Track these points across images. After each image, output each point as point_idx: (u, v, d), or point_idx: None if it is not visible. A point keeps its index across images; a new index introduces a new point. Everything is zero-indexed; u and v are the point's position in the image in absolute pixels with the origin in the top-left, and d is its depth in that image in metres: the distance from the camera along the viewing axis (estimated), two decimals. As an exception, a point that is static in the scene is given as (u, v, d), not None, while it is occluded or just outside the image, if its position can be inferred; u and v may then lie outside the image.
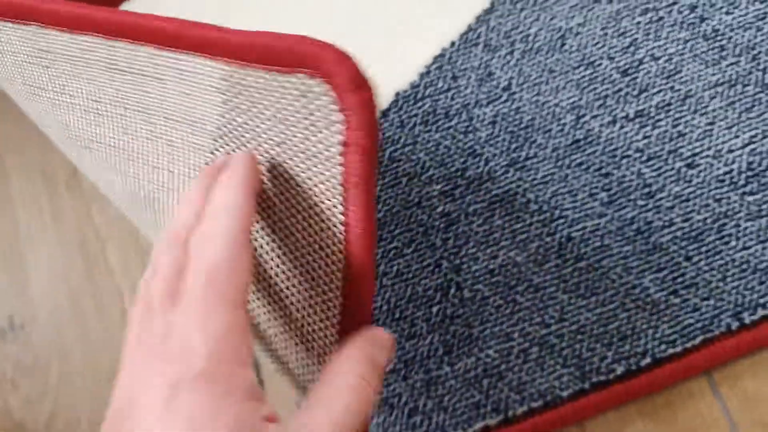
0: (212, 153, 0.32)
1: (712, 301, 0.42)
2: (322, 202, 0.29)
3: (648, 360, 0.41)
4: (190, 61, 0.30)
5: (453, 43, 0.50)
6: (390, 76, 0.49)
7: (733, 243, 0.43)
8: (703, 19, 0.48)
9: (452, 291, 0.43)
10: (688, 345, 0.41)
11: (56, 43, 0.34)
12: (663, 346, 0.41)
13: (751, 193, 0.44)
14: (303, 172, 0.29)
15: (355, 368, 0.28)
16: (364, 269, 0.28)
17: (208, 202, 0.29)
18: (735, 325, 0.41)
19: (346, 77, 0.26)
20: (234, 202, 0.28)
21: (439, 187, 0.46)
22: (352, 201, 0.28)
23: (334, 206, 0.28)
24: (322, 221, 0.29)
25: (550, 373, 0.42)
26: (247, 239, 0.28)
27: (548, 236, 0.44)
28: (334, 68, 0.27)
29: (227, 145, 0.31)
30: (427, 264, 0.44)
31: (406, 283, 0.44)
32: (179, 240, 0.28)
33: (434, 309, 0.43)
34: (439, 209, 0.45)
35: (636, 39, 0.49)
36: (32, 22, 0.34)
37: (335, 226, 0.29)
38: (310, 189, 0.29)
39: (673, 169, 0.45)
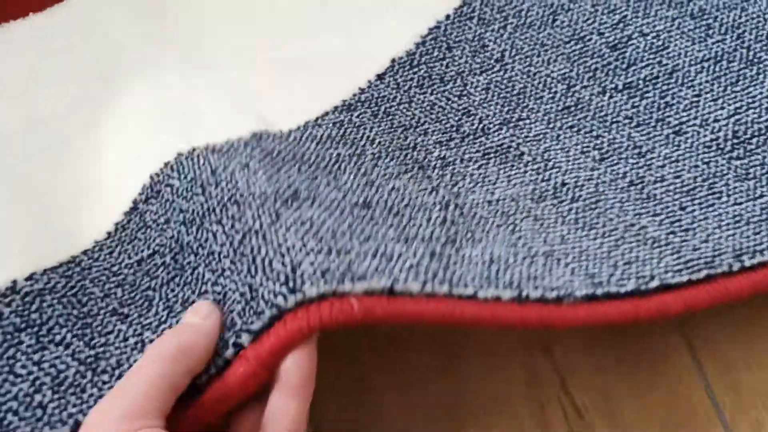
0: None
1: (710, 244, 0.42)
2: None
3: (656, 283, 0.40)
4: None
5: (448, 16, 0.51)
6: (386, 43, 0.50)
7: (725, 198, 0.43)
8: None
9: (451, 208, 0.43)
10: (693, 277, 0.41)
11: None
12: (669, 274, 0.40)
13: (738, 158, 0.45)
14: None
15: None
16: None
17: None
18: (737, 266, 0.41)
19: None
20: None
21: (434, 137, 0.46)
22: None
23: None
24: None
25: (560, 276, 0.40)
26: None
27: (543, 181, 0.45)
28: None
29: None
30: (424, 188, 0.44)
31: (403, 195, 0.43)
32: None
33: (434, 214, 0.42)
34: (435, 153, 0.46)
35: (625, 16, 0.50)
36: None
37: None
38: None
39: (661, 134, 0.46)
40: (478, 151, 0.46)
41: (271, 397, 0.32)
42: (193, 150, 0.40)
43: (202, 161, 0.39)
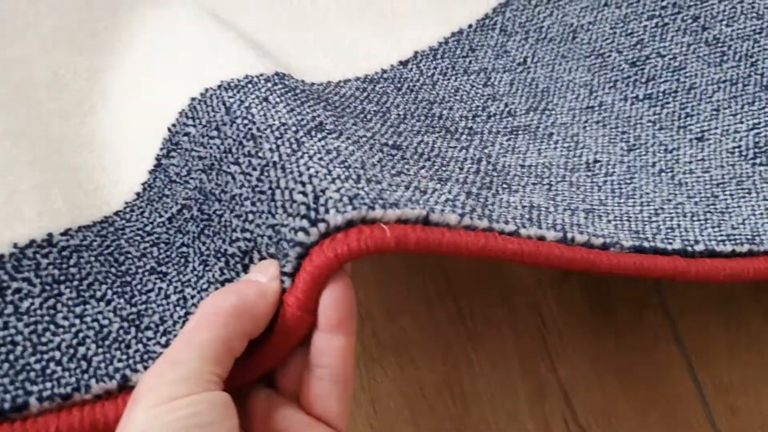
0: None
1: (748, 226, 0.41)
2: None
3: (702, 247, 0.39)
4: None
5: (470, 25, 0.52)
6: (411, 39, 0.50)
7: (754, 194, 0.43)
8: (704, 28, 0.52)
9: (483, 163, 0.41)
10: (737, 249, 0.40)
11: None
12: (713, 242, 0.39)
13: (762, 164, 0.45)
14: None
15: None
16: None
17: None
18: None
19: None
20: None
21: (459, 113, 0.45)
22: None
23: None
24: None
25: (605, 228, 0.38)
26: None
27: (575, 157, 0.44)
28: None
29: None
30: (454, 146, 0.42)
31: (432, 148, 0.41)
32: None
33: (467, 165, 0.40)
34: (462, 124, 0.45)
35: (642, 39, 0.51)
36: None
37: None
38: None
39: (685, 138, 0.46)
40: (506, 127, 0.45)
41: (314, 338, 0.30)
42: (206, 91, 0.38)
43: (216, 101, 0.37)
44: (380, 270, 0.49)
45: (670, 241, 0.38)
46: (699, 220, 0.41)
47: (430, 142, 0.41)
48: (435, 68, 0.48)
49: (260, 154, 0.33)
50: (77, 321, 0.33)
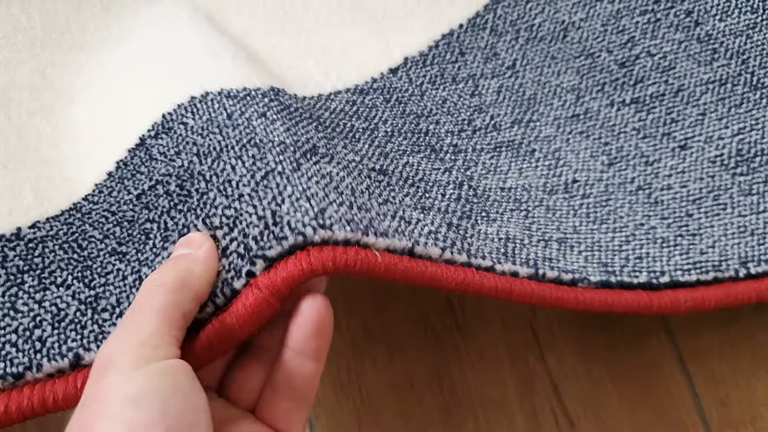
0: None
1: (717, 250, 0.43)
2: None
3: (666, 279, 0.41)
4: None
5: (461, 25, 0.52)
6: (400, 44, 0.51)
7: (729, 210, 0.44)
8: (697, 24, 0.51)
9: (465, 187, 0.43)
10: (702, 278, 0.41)
11: None
12: (679, 272, 0.41)
13: (742, 174, 0.46)
14: None
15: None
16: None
17: None
18: (743, 272, 0.42)
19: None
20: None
21: (446, 127, 0.47)
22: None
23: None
24: None
25: (574, 263, 0.40)
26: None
27: (554, 177, 0.45)
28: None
29: None
30: (438, 167, 0.44)
31: (417, 171, 0.43)
32: None
33: (449, 191, 0.42)
34: (447, 141, 0.46)
35: (633, 36, 0.51)
36: None
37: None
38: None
39: (667, 147, 0.47)
40: (489, 144, 0.46)
41: (285, 359, 0.32)
42: (207, 94, 0.40)
43: (217, 106, 0.39)
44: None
45: (636, 274, 0.40)
46: (668, 247, 0.42)
47: (415, 164, 0.43)
48: (424, 76, 0.49)
49: (264, 161, 0.35)
50: (36, 306, 0.36)
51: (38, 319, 0.35)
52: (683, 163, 0.46)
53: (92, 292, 0.36)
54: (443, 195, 0.41)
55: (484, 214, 0.41)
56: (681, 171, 0.46)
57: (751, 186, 0.45)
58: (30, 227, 0.39)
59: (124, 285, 0.36)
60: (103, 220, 0.39)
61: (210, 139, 0.37)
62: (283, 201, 0.33)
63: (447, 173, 0.43)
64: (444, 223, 0.38)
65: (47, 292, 0.36)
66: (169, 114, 0.40)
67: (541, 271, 0.38)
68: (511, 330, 0.50)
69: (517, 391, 0.48)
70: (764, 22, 0.51)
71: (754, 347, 0.47)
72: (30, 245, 0.38)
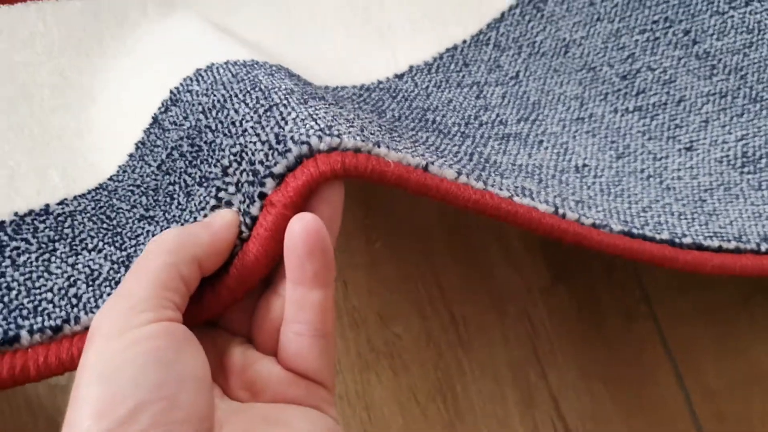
0: None
1: (735, 227, 0.42)
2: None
3: (689, 240, 0.40)
4: None
5: (465, 41, 0.53)
6: (406, 55, 0.52)
7: (741, 200, 0.44)
8: (695, 42, 0.53)
9: (477, 156, 0.42)
10: (724, 245, 0.41)
11: None
12: (701, 237, 0.41)
13: (750, 173, 0.46)
14: None
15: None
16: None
17: None
18: (764, 246, 0.42)
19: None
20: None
21: (452, 120, 0.47)
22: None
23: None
24: None
25: (597, 211, 0.39)
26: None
27: (564, 162, 0.45)
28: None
29: None
30: (447, 143, 0.43)
31: (428, 140, 0.43)
32: None
33: (460, 155, 0.41)
34: (454, 129, 0.46)
35: (634, 53, 0.52)
36: None
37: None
38: None
39: (674, 148, 0.47)
40: (496, 135, 0.46)
41: (288, 293, 0.30)
42: (212, 64, 0.40)
43: (222, 70, 0.39)
44: (374, 277, 0.50)
45: (659, 231, 0.39)
46: (686, 219, 0.42)
47: (424, 138, 0.42)
48: (429, 81, 0.50)
49: (269, 98, 0.34)
50: (69, 269, 0.35)
51: (72, 279, 0.35)
52: (691, 161, 0.46)
53: (124, 253, 0.36)
54: (455, 155, 0.41)
55: (497, 173, 0.40)
56: (689, 167, 0.46)
57: (760, 182, 0.46)
58: (58, 203, 0.40)
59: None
60: (129, 193, 0.40)
61: (214, 95, 0.37)
62: (286, 123, 0.32)
63: (456, 146, 0.43)
64: (462, 152, 0.38)
65: (79, 257, 0.36)
66: (176, 88, 0.41)
67: (561, 211, 0.37)
68: (512, 346, 0.50)
69: (518, 404, 0.48)
70: (760, 41, 0.52)
71: (749, 363, 0.48)
72: (59, 218, 0.39)
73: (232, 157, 0.34)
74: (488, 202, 0.33)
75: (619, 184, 0.44)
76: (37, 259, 0.36)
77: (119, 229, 0.37)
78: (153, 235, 0.36)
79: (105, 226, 0.38)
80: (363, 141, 0.31)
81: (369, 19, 0.53)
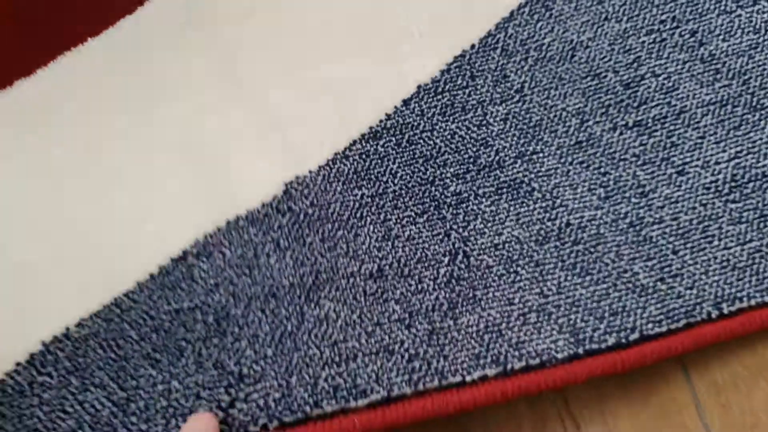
0: None
1: (694, 291, 0.46)
2: None
3: (636, 335, 0.45)
4: None
5: (473, 45, 0.54)
6: (414, 69, 0.53)
7: (716, 243, 0.47)
8: (701, 44, 0.53)
9: (459, 257, 0.47)
10: (672, 326, 0.45)
11: None
12: (650, 325, 0.45)
13: (734, 201, 0.48)
14: None
15: None
16: None
17: None
18: (715, 313, 0.46)
19: None
20: None
21: (452, 170, 0.50)
22: None
23: None
24: None
25: (547, 337, 0.45)
26: None
27: (549, 221, 0.48)
28: None
29: None
30: (438, 233, 0.48)
31: (416, 246, 0.48)
32: None
33: (441, 270, 0.47)
34: (451, 188, 0.50)
35: (639, 56, 0.53)
36: None
37: None
38: None
39: (665, 174, 0.49)
40: (492, 185, 0.50)
41: None
42: (237, 219, 0.48)
43: (246, 236, 0.48)
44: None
45: (606, 338, 0.45)
46: (646, 295, 0.47)
47: (415, 236, 0.49)
48: (435, 107, 0.52)
49: (279, 317, 0.45)
50: (79, 408, 0.43)
51: (80, 420, 0.42)
52: (678, 191, 0.49)
53: (124, 394, 0.43)
54: (434, 280, 0.47)
55: (471, 295, 0.47)
56: (675, 201, 0.49)
57: (741, 214, 0.48)
58: (76, 326, 0.46)
59: (153, 391, 0.43)
60: (141, 321, 0.46)
61: (242, 281, 0.46)
62: (292, 374, 0.44)
63: (446, 239, 0.48)
64: (425, 334, 0.46)
65: (88, 394, 0.43)
66: (211, 236, 0.48)
67: (509, 366, 0.45)
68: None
69: (526, 398, 0.49)
70: (766, 43, 0.53)
71: (754, 355, 0.49)
72: (76, 344, 0.45)
73: (252, 372, 0.44)
74: (438, 411, 0.44)
75: (594, 249, 0.48)
76: (55, 398, 0.43)
77: (123, 363, 0.44)
78: (154, 382, 0.44)
79: (113, 356, 0.45)
80: (336, 402, 0.43)
81: (377, 33, 0.55)
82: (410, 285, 0.47)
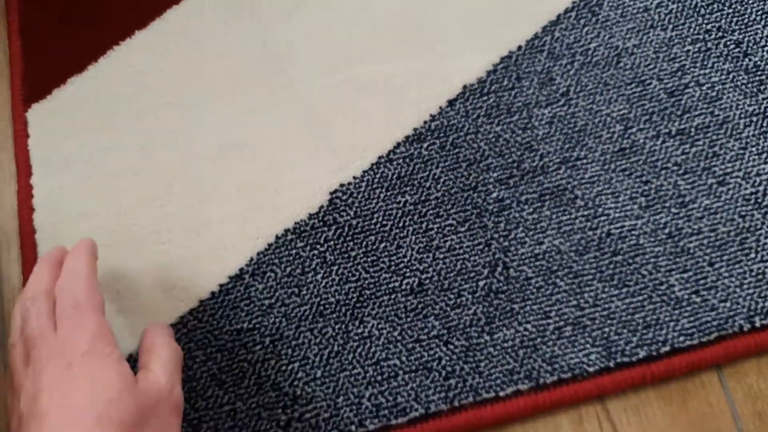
0: None
1: (728, 304, 0.47)
2: None
3: (667, 348, 0.47)
4: None
5: (520, 47, 0.55)
6: (460, 70, 0.54)
7: (752, 255, 0.48)
8: (746, 54, 0.54)
9: (499, 269, 0.49)
10: (704, 339, 0.47)
11: None
12: (682, 338, 0.47)
13: None
14: None
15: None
16: None
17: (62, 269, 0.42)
18: (747, 326, 0.47)
19: None
20: (83, 261, 0.42)
21: (495, 174, 0.51)
22: None
23: None
24: None
25: (580, 350, 0.47)
26: (95, 278, 0.41)
27: (590, 230, 0.49)
28: None
29: None
30: (478, 243, 0.50)
31: (456, 257, 0.49)
32: (43, 294, 0.41)
33: (480, 283, 0.48)
34: (494, 195, 0.51)
35: (684, 65, 0.54)
36: None
37: None
38: None
39: (705, 184, 0.50)
40: (534, 192, 0.51)
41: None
42: (286, 233, 0.50)
43: (294, 252, 0.50)
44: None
45: (637, 351, 0.47)
46: (680, 308, 0.48)
47: (456, 246, 0.50)
48: (480, 108, 0.53)
49: (326, 338, 0.48)
50: None
51: None
52: (718, 201, 0.50)
53: (196, 414, 0.46)
54: (473, 294, 0.48)
55: (508, 309, 0.48)
56: (714, 212, 0.49)
57: None
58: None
59: (221, 412, 0.46)
60: (206, 341, 0.48)
61: (292, 301, 0.49)
62: (338, 395, 0.46)
63: (486, 249, 0.49)
64: (462, 351, 0.47)
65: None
66: (262, 254, 0.50)
67: (542, 381, 0.46)
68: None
69: None
70: (811, 55, 0.53)
71: None
72: None
73: (305, 393, 0.47)
74: (473, 426, 0.46)
75: (633, 261, 0.49)
76: None
77: (194, 383, 0.48)
78: (220, 402, 0.47)
79: (185, 377, 0.47)
80: (379, 421, 0.46)
81: (418, 34, 0.56)
82: (449, 299, 0.48)
